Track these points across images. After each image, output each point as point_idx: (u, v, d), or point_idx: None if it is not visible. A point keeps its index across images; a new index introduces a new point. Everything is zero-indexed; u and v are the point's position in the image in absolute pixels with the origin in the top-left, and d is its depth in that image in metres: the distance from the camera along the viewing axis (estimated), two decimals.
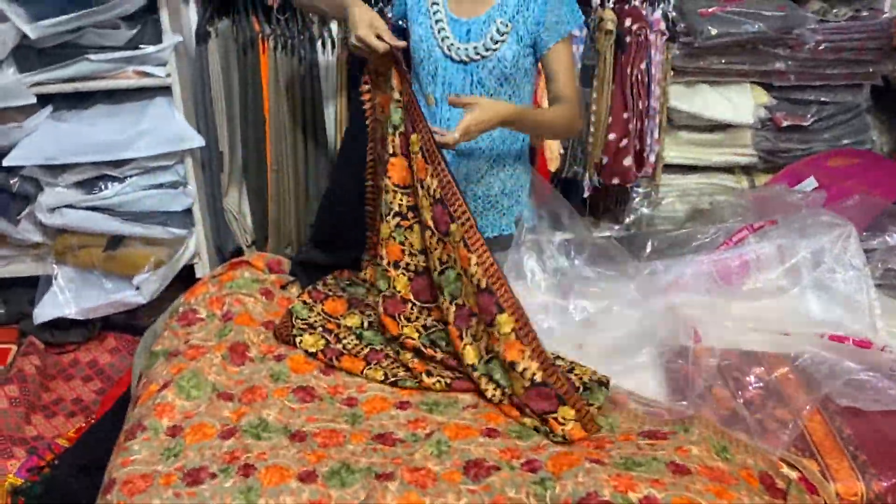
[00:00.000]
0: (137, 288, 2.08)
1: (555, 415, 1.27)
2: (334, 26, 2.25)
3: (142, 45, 2.00)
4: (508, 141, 1.77)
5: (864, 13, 2.44)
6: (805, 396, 1.36)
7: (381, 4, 2.13)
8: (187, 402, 1.39)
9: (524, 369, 1.32)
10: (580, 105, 1.78)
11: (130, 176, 2.09)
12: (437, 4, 1.69)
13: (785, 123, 2.49)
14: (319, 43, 2.23)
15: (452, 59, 1.69)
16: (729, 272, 1.74)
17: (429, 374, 1.45)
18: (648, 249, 1.88)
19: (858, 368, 1.40)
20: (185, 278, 2.29)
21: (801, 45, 2.40)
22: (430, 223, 1.49)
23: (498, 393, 1.37)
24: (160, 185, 2.13)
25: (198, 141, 2.09)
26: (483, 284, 1.39)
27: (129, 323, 2.27)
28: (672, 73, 2.44)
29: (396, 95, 1.58)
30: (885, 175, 2.24)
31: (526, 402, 1.31)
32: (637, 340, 1.54)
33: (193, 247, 2.25)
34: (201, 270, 2.32)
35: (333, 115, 2.33)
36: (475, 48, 1.66)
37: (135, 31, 1.98)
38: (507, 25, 1.64)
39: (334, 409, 1.39)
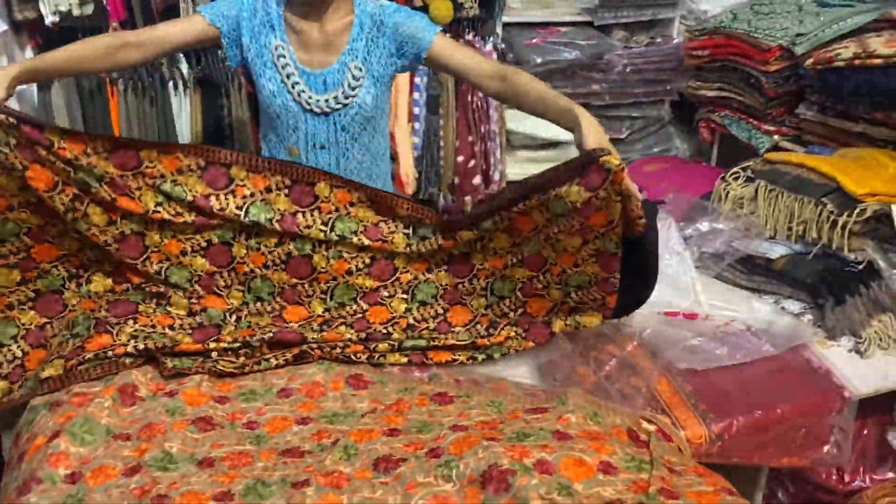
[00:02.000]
0: None
1: None
2: (184, 67, 2.28)
3: None
4: (378, 161, 1.80)
5: (659, 39, 2.85)
6: (652, 364, 1.60)
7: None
8: (82, 448, 1.36)
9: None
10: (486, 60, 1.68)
11: None
12: (285, 58, 1.63)
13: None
14: (170, 84, 2.25)
15: (313, 112, 1.66)
16: None
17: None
18: None
19: (690, 336, 1.66)
20: None
21: (612, 68, 2.76)
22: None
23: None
24: None
25: None
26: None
27: None
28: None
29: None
30: (689, 176, 2.63)
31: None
32: None
33: None
34: None
35: None
36: (335, 98, 1.64)
37: None
38: (360, 70, 1.63)
39: (236, 434, 1.43)
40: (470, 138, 2.60)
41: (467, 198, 2.66)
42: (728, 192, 2.13)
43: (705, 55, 2.64)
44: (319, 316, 1.60)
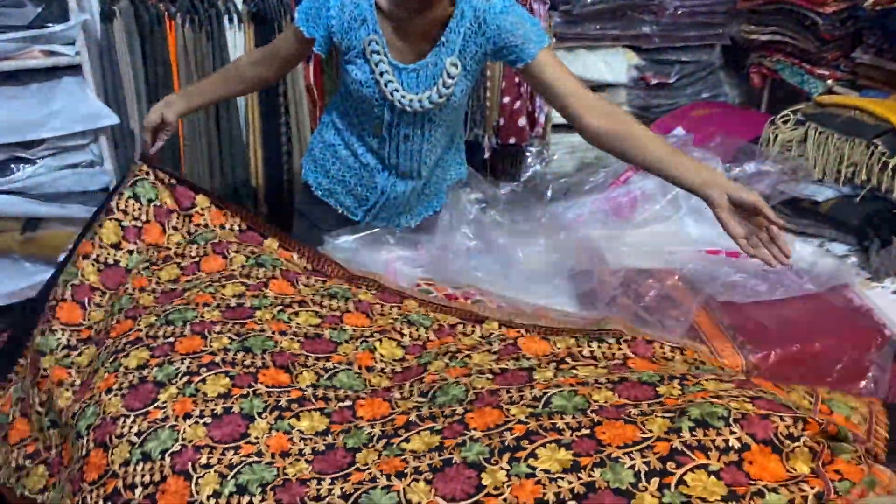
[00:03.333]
0: None
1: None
2: (238, 2, 2.32)
3: (48, 24, 2.00)
4: (458, 140, 1.82)
5: None
6: (692, 298, 1.63)
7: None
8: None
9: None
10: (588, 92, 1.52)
11: (43, 157, 2.08)
12: (378, 54, 1.53)
13: (653, 81, 2.81)
14: (226, 18, 2.30)
15: (405, 111, 1.58)
16: (620, 207, 2.00)
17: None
18: (549, 195, 2.11)
19: (731, 272, 1.69)
20: None
21: (663, 10, 2.72)
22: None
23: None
24: (75, 166, 2.14)
25: (113, 119, 2.11)
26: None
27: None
28: (555, 39, 2.68)
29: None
30: (738, 121, 2.60)
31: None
32: (552, 268, 1.76)
33: None
34: None
35: None
36: (428, 98, 1.55)
37: (40, 9, 1.98)
38: (456, 66, 1.53)
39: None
40: (516, 79, 2.61)
41: (511, 140, 2.66)
42: (777, 135, 2.11)
43: None
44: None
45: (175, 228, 1.58)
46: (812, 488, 0.88)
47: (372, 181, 1.76)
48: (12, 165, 2.06)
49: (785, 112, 2.12)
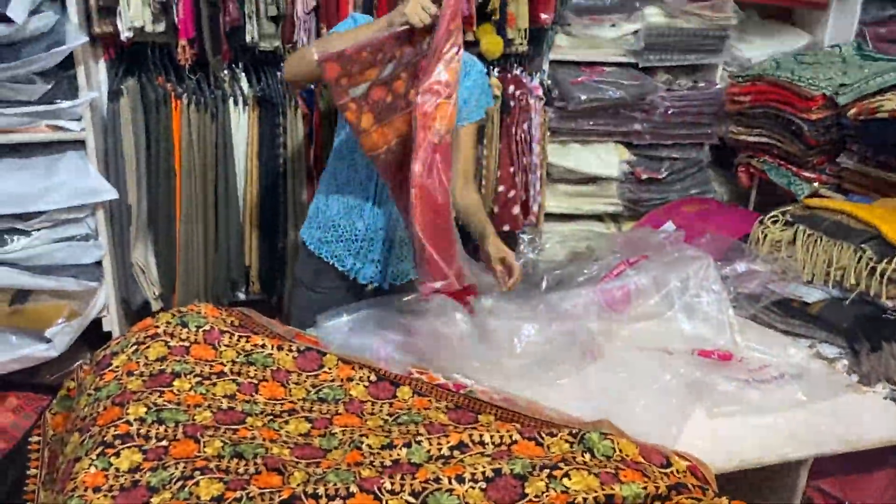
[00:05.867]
0: (49, 341, 2.05)
1: None
2: (244, 85, 2.38)
3: (56, 101, 2.03)
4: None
5: (701, 84, 2.90)
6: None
7: None
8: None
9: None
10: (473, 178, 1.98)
11: (39, 229, 2.08)
12: None
13: (644, 176, 2.88)
14: (231, 101, 2.35)
15: None
16: (614, 300, 2.01)
17: None
18: (544, 285, 2.12)
19: (725, 381, 1.65)
20: (91, 333, 2.27)
21: (654, 109, 2.81)
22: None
23: None
24: (70, 238, 2.13)
25: (112, 193, 2.13)
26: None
27: (30, 381, 2.21)
28: (549, 133, 2.77)
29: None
30: (727, 218, 2.66)
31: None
32: (547, 361, 1.75)
33: (103, 300, 2.24)
34: (109, 325, 2.31)
35: (243, 168, 2.44)
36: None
37: (49, 87, 2.02)
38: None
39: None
40: (511, 169, 2.67)
41: (505, 227, 2.70)
42: (766, 235, 2.16)
43: (747, 101, 2.69)
44: None
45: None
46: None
47: (360, 213, 1.85)
48: (6, 236, 2.05)
49: (774, 213, 2.18)
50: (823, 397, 1.65)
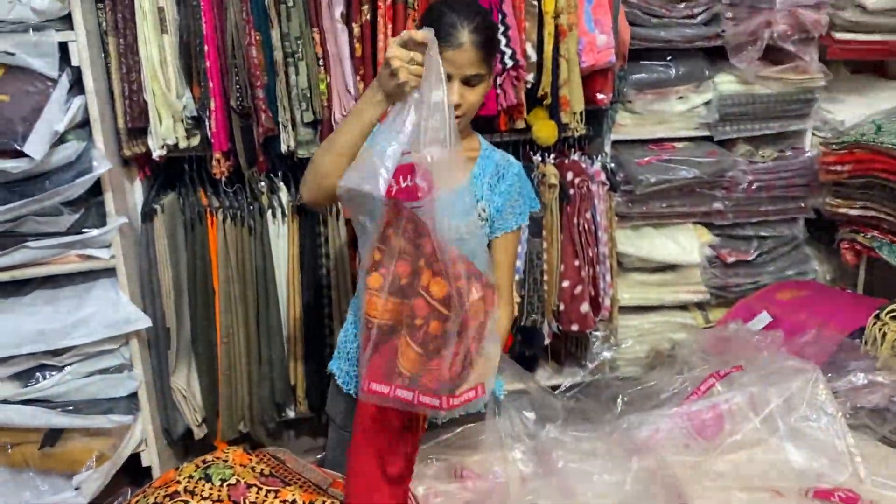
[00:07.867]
0: (77, 488, 1.91)
1: None
2: (284, 196, 2.25)
3: (85, 229, 1.95)
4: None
5: (788, 152, 2.59)
6: None
7: None
8: None
9: None
10: (512, 293, 1.73)
11: (71, 364, 1.97)
12: None
13: (731, 259, 2.56)
14: (269, 213, 2.22)
15: None
16: (703, 425, 1.70)
17: None
18: (619, 406, 1.84)
19: None
20: (129, 468, 2.13)
21: (736, 185, 2.51)
22: None
23: None
24: (103, 371, 2.02)
25: (146, 322, 2.01)
26: None
27: None
28: (617, 218, 2.50)
29: None
30: (834, 306, 2.29)
31: None
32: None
33: (140, 434, 2.10)
34: (148, 459, 2.16)
35: (285, 283, 2.29)
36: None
37: (77, 216, 1.94)
38: (485, 210, 1.54)
39: None
40: (576, 262, 2.41)
41: (574, 327, 2.43)
42: (884, 334, 1.81)
43: (845, 171, 2.36)
44: None
45: None
46: None
47: None
48: (37, 373, 1.95)
49: (892, 305, 1.83)
50: None
